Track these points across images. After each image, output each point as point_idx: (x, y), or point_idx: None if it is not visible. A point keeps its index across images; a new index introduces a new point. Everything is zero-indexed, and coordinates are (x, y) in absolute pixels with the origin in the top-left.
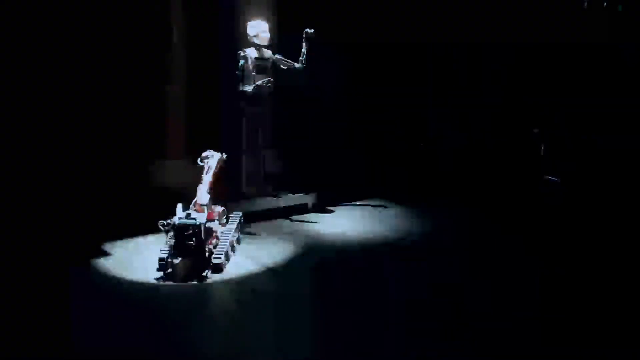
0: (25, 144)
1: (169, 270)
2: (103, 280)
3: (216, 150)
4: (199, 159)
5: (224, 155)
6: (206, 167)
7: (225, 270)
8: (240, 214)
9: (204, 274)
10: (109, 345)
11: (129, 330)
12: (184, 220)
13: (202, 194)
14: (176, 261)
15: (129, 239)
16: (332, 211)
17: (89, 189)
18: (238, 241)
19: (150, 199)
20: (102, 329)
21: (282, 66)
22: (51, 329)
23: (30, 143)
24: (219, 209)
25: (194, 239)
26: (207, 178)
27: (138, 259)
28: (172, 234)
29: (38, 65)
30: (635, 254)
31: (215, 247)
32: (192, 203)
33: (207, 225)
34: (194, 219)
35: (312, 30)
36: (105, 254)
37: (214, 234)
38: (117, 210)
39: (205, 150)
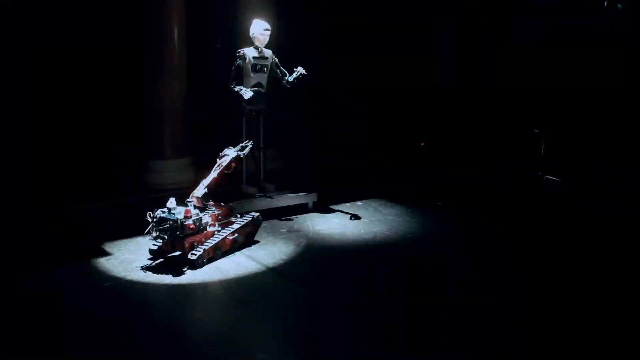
0: (25, 144)
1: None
2: (103, 280)
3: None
4: (218, 158)
5: (242, 153)
6: (217, 164)
7: (225, 270)
8: (255, 215)
9: (183, 269)
10: (109, 345)
11: (128, 330)
12: (165, 215)
13: (200, 187)
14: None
15: (129, 239)
16: (332, 211)
17: (89, 188)
18: (245, 243)
19: (151, 199)
20: (102, 328)
21: (277, 70)
22: (51, 329)
23: (30, 143)
24: (221, 207)
25: (169, 232)
26: (213, 174)
27: (138, 259)
28: (153, 225)
29: (38, 64)
30: (634, 257)
31: (201, 243)
32: (190, 195)
33: (185, 222)
34: (174, 214)
35: (305, 73)
36: (105, 254)
37: (208, 231)
38: (117, 210)
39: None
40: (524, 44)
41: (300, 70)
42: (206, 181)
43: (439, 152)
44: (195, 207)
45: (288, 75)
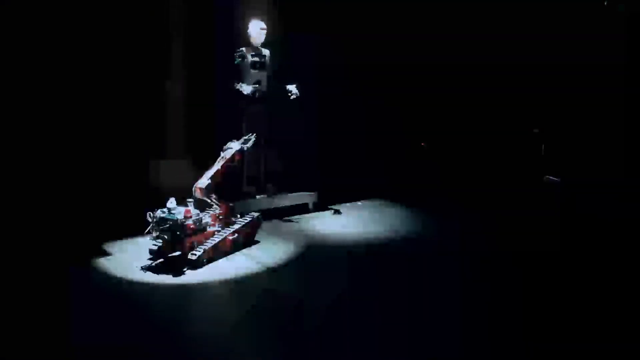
0: (25, 144)
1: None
2: (103, 280)
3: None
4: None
5: (246, 146)
6: (221, 157)
7: (225, 270)
8: (255, 215)
9: (183, 269)
10: (109, 345)
11: (128, 330)
12: (165, 215)
13: (203, 178)
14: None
15: (129, 239)
16: (332, 211)
17: (89, 188)
18: (245, 243)
19: (151, 199)
20: (102, 329)
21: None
22: (51, 329)
23: (30, 143)
24: (222, 204)
25: (169, 232)
26: (216, 166)
27: (138, 259)
28: (153, 225)
29: (38, 64)
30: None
31: (201, 243)
32: (193, 187)
33: (185, 222)
34: (174, 214)
35: (297, 95)
36: (105, 254)
37: (208, 231)
38: (117, 210)
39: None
40: None
41: (293, 90)
42: (210, 173)
43: (439, 152)
44: (197, 198)
45: (277, 82)
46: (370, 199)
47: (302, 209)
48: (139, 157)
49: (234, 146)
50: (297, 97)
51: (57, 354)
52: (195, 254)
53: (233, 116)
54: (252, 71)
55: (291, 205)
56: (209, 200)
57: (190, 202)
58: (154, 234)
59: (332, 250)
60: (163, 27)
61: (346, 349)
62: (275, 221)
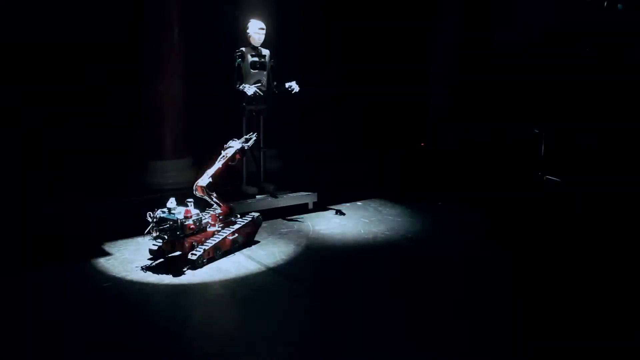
0: (26, 145)
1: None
2: (103, 280)
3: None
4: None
5: (247, 145)
6: (222, 155)
7: (225, 270)
8: (255, 215)
9: (183, 269)
10: (110, 345)
11: (128, 330)
12: (165, 215)
13: (204, 177)
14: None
15: (129, 239)
16: (332, 211)
17: (89, 188)
18: (245, 243)
19: (151, 199)
20: (102, 329)
21: (271, 73)
22: (51, 329)
23: (31, 143)
24: (222, 203)
25: (169, 232)
26: (217, 164)
27: (138, 259)
28: (153, 225)
29: (38, 64)
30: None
31: (201, 243)
32: (194, 185)
33: (185, 222)
34: (174, 214)
35: (298, 89)
36: (105, 254)
37: (208, 231)
38: (117, 210)
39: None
40: None
41: (292, 85)
42: (211, 171)
43: (439, 151)
44: (198, 197)
45: (276, 82)
46: (370, 199)
47: (302, 209)
48: (139, 157)
49: (234, 145)
50: (296, 93)
51: (58, 354)
52: (195, 254)
53: (234, 116)
54: (252, 71)
55: (291, 205)
56: (209, 200)
57: (190, 202)
58: (154, 234)
59: (332, 250)
60: (164, 24)
61: (346, 349)
62: (275, 221)
